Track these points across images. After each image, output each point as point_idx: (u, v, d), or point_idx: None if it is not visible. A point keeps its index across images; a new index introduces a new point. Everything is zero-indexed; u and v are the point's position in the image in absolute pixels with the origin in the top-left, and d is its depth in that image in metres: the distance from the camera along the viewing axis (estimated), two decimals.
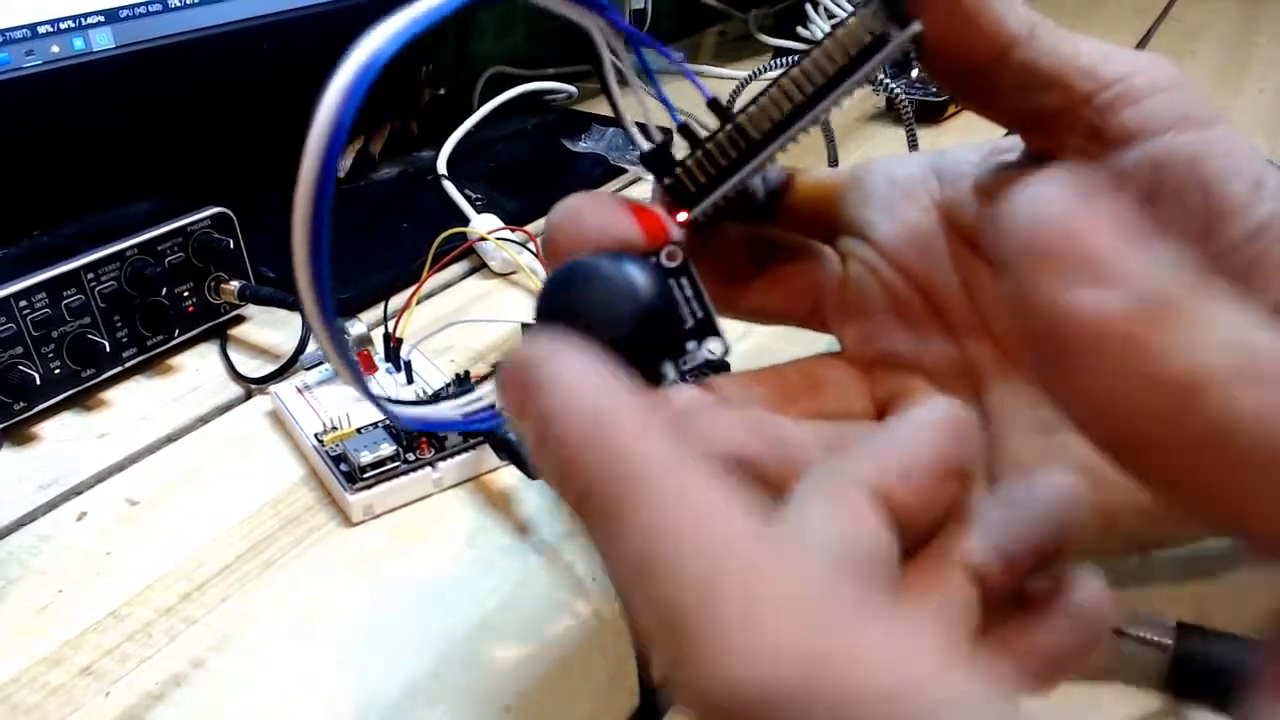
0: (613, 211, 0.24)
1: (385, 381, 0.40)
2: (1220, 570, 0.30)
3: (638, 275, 0.23)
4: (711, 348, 0.25)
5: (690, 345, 0.24)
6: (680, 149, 0.24)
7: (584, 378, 0.16)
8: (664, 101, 0.25)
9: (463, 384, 0.37)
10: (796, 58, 0.23)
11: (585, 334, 0.20)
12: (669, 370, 0.24)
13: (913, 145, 0.59)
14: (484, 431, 0.35)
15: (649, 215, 0.24)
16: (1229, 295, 0.14)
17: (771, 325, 0.30)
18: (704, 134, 0.24)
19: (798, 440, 0.23)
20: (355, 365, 0.22)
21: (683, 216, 0.25)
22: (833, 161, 0.57)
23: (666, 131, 0.25)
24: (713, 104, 0.25)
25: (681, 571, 0.14)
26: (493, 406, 0.25)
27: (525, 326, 0.25)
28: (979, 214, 0.26)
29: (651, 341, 0.24)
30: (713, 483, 0.15)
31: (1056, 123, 0.23)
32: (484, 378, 0.25)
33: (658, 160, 0.25)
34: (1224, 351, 0.14)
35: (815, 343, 0.28)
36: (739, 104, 0.24)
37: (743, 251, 0.28)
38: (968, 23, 0.23)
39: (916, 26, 0.22)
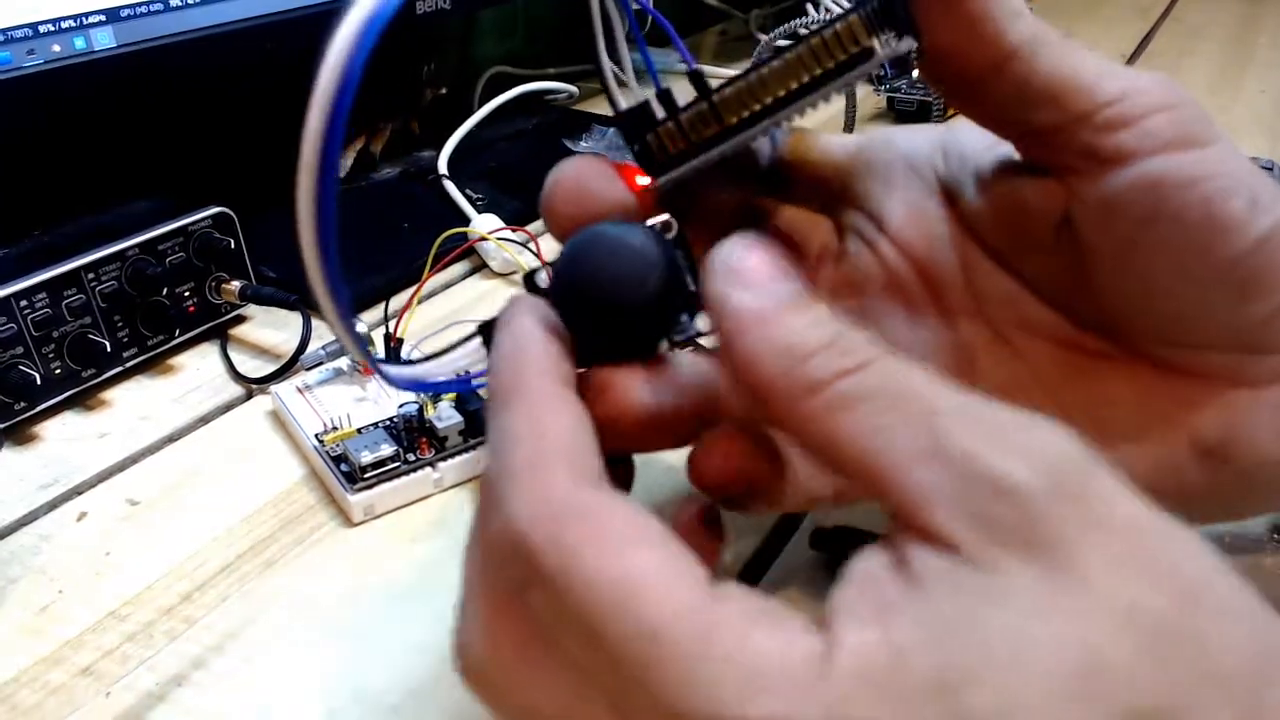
0: (607, 178, 0.25)
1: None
2: None
3: (651, 250, 0.23)
4: (701, 324, 0.24)
5: (683, 318, 0.24)
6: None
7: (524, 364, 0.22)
8: (648, 65, 0.25)
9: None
10: (787, 47, 0.23)
11: (602, 304, 0.23)
12: (664, 344, 0.24)
13: None
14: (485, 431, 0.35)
15: (630, 177, 0.25)
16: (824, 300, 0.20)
17: None
18: (682, 105, 0.24)
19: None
20: (348, 312, 0.23)
21: (644, 181, 0.25)
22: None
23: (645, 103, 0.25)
24: (693, 76, 0.24)
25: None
26: (484, 369, 0.25)
27: (482, 326, 0.25)
28: (976, 200, 0.26)
29: (659, 313, 0.24)
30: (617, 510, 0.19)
31: (1052, 139, 0.23)
32: (469, 337, 0.25)
33: (631, 125, 0.25)
34: (816, 329, 0.19)
35: None
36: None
37: (738, 219, 0.28)
38: (968, 30, 0.22)
39: (908, 43, 0.22)
